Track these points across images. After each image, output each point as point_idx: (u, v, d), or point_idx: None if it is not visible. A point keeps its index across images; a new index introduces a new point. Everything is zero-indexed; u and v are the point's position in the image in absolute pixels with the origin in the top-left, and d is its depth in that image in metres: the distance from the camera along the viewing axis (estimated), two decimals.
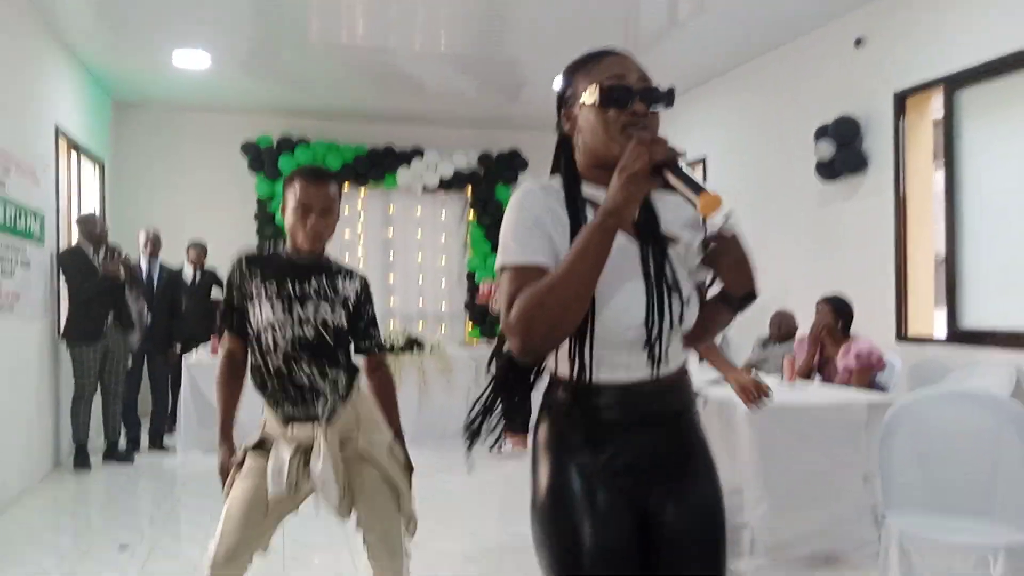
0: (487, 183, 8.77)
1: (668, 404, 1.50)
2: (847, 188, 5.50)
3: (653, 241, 1.46)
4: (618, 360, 1.44)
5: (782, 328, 5.61)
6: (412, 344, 6.73)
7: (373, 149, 8.44)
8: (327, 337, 2.27)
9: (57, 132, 5.88)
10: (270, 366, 2.25)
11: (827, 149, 5.38)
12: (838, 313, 4.77)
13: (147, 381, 6.42)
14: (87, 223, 5.73)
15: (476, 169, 8.74)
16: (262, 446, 2.30)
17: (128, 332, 5.92)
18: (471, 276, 8.90)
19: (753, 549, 3.61)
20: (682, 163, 1.29)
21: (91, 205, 6.93)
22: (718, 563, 1.52)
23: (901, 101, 5.05)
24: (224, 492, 2.30)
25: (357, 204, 8.75)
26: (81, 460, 5.60)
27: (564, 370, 1.47)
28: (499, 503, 4.83)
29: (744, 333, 5.84)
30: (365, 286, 2.41)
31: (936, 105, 4.96)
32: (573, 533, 1.43)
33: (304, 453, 2.26)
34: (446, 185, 8.69)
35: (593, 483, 1.45)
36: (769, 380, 4.35)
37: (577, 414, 1.47)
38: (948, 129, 4.73)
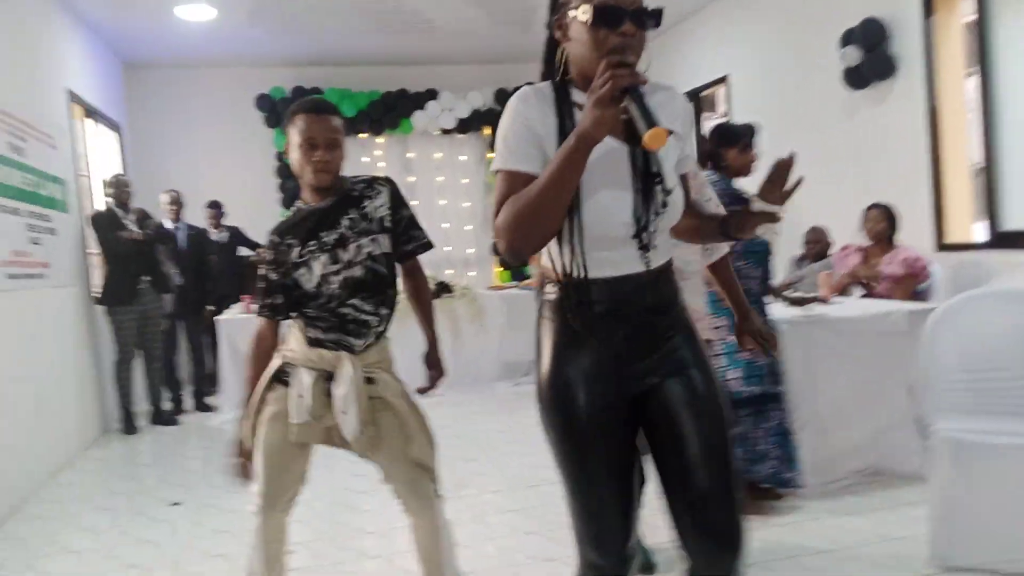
0: None
1: (656, 296, 1.60)
2: (876, 95, 5.30)
3: (638, 139, 1.47)
4: (607, 256, 1.54)
5: (816, 244, 5.50)
6: (442, 289, 6.71)
7: (387, 94, 8.31)
8: (379, 269, 2.24)
9: (70, 96, 5.84)
10: (321, 303, 2.23)
11: (853, 55, 5.17)
12: (889, 220, 4.67)
13: (186, 343, 6.51)
14: (116, 185, 5.75)
15: (493, 107, 8.58)
16: (279, 379, 2.26)
17: (162, 294, 5.96)
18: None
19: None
20: (645, 91, 1.36)
21: (112, 170, 6.91)
22: (724, 437, 1.60)
23: (929, 1, 4.82)
24: (243, 433, 2.30)
25: (376, 152, 8.65)
26: (128, 424, 5.71)
27: (557, 268, 1.58)
28: (536, 439, 4.84)
29: (776, 252, 5.73)
30: (393, 193, 2.31)
31: (967, 6, 4.73)
32: (572, 413, 1.58)
33: (325, 380, 2.22)
34: (463, 126, 8.55)
35: (589, 371, 1.57)
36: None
37: (571, 309, 1.57)
38: (981, 31, 4.52)
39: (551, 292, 1.62)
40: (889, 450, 3.60)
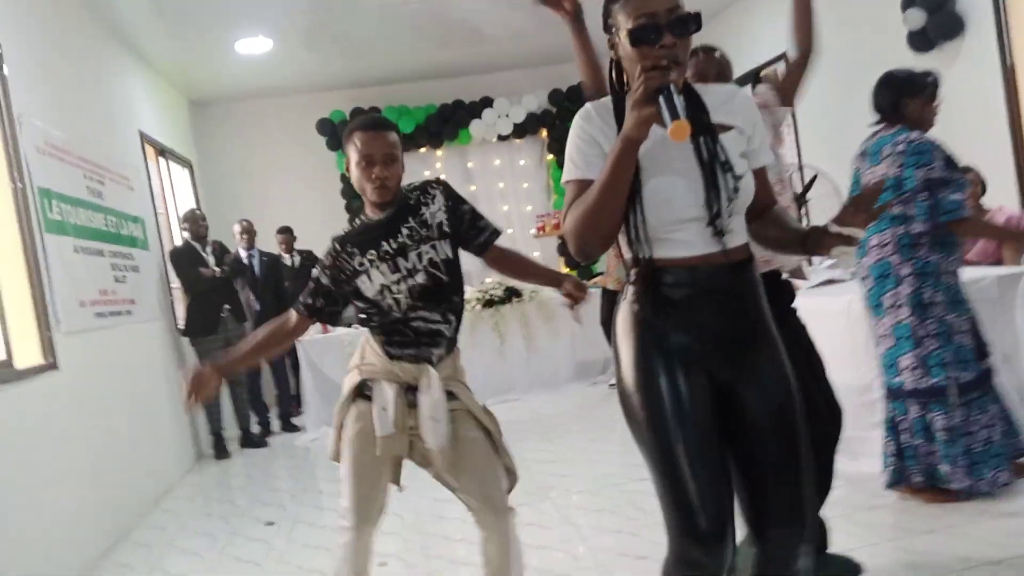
0: (561, 121, 8.58)
1: (733, 281, 1.65)
2: (944, 57, 5.07)
3: (704, 130, 1.60)
4: (680, 238, 1.61)
5: None
6: (511, 294, 6.72)
7: (443, 106, 8.39)
8: (440, 275, 2.25)
9: (143, 138, 6.09)
10: (392, 319, 2.25)
11: (917, 17, 4.97)
12: (981, 182, 4.49)
13: (268, 367, 6.69)
14: (192, 220, 5.97)
15: (548, 108, 8.57)
16: (361, 394, 2.29)
17: (242, 322, 6.15)
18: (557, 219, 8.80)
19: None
20: (674, 90, 1.43)
21: (186, 205, 7.17)
22: (796, 445, 1.62)
23: None
24: (331, 451, 2.33)
25: (436, 165, 8.74)
26: (220, 449, 5.90)
27: (627, 257, 1.69)
28: (617, 437, 4.80)
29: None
30: (447, 193, 2.32)
31: None
32: (657, 404, 1.61)
33: (408, 392, 2.24)
34: (520, 131, 8.57)
35: (670, 357, 1.62)
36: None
37: (647, 295, 1.64)
38: None
39: (628, 284, 1.69)
40: None
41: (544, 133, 8.70)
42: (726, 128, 1.66)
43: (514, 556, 2.34)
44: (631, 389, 1.64)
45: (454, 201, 2.31)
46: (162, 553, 3.91)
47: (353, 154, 2.22)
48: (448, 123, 8.40)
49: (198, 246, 5.93)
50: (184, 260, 5.85)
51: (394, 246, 2.24)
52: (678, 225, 1.60)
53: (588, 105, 1.70)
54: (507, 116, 8.44)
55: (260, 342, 2.31)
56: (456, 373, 2.33)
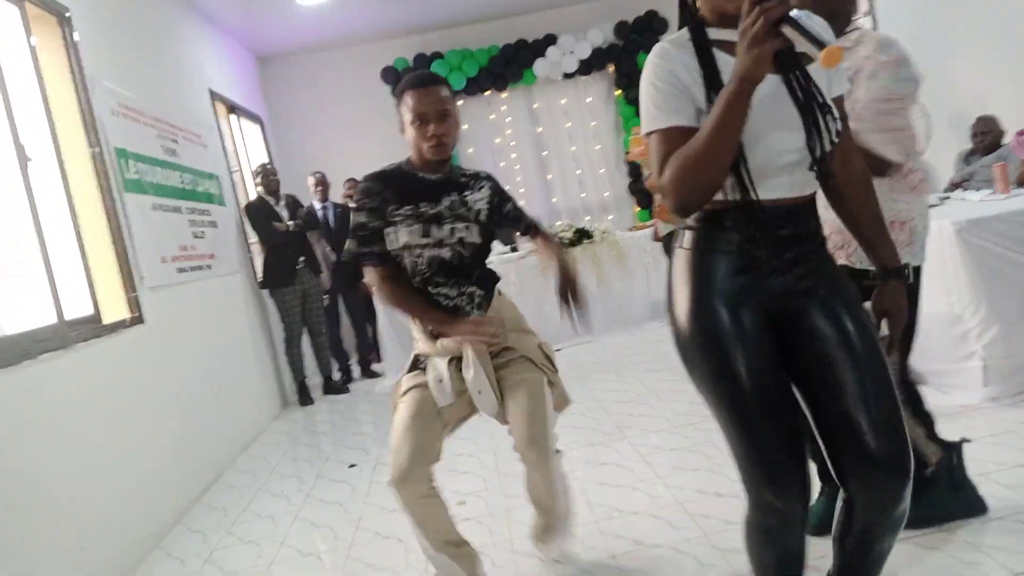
0: (628, 55, 8.33)
1: (806, 225, 1.57)
2: None
3: (795, 67, 1.46)
4: (775, 182, 1.51)
5: (987, 136, 4.98)
6: (582, 236, 6.64)
7: (506, 47, 8.24)
8: (464, 255, 2.26)
9: (212, 96, 6.18)
10: (415, 283, 2.26)
11: None
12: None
13: (346, 316, 6.83)
14: (264, 174, 6.07)
15: (614, 42, 8.32)
16: (416, 367, 2.32)
17: (318, 274, 6.27)
18: (628, 156, 8.60)
19: (987, 379, 3.29)
20: (799, 16, 1.29)
21: (259, 160, 7.29)
22: (883, 367, 1.53)
23: None
24: (391, 412, 2.34)
25: (501, 108, 8.63)
26: (304, 396, 6.09)
27: (719, 196, 1.51)
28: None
29: (942, 149, 5.24)
30: (496, 190, 2.37)
31: None
32: (719, 346, 1.52)
33: (457, 361, 2.26)
34: (586, 67, 8.35)
35: (731, 296, 1.53)
36: (980, 195, 3.89)
37: (716, 241, 1.55)
38: None
39: (690, 234, 1.60)
40: None
41: (611, 68, 8.46)
42: (808, 59, 1.50)
43: (560, 492, 2.38)
44: (689, 334, 1.56)
45: (500, 198, 2.37)
46: (252, 496, 4.07)
47: (407, 113, 2.19)
48: (512, 64, 8.25)
49: (271, 200, 6.03)
50: (258, 214, 5.97)
51: (432, 212, 2.22)
52: (778, 169, 1.50)
53: (663, 41, 1.55)
54: (572, 53, 8.23)
55: (409, 305, 2.25)
56: (503, 324, 2.28)
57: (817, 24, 1.48)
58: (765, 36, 1.29)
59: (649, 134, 1.52)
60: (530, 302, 5.48)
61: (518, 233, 2.50)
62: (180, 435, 4.16)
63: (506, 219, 2.40)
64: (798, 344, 1.56)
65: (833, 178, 1.55)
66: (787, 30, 1.28)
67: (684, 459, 3.37)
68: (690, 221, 1.60)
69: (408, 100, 2.18)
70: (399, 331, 6.30)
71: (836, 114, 1.50)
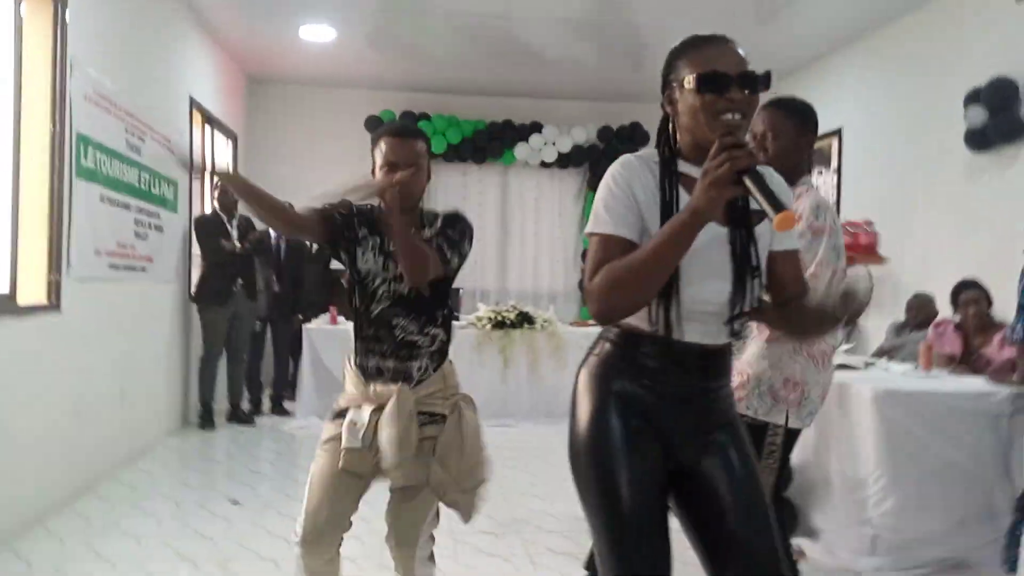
0: (606, 159, 8.55)
1: (717, 370, 1.62)
2: (1001, 160, 4.98)
3: (741, 226, 1.54)
4: (697, 326, 1.55)
5: (920, 313, 5.18)
6: (524, 320, 6.67)
7: (492, 123, 8.41)
8: (424, 290, 2.21)
9: (192, 104, 6.15)
10: (372, 312, 2.23)
11: (978, 115, 4.88)
12: (989, 299, 4.37)
13: (270, 347, 6.69)
14: (223, 191, 5.99)
15: (595, 143, 8.56)
16: (342, 416, 2.25)
17: (253, 299, 6.16)
18: (586, 255, 8.73)
19: (875, 548, 3.33)
20: (763, 172, 1.36)
21: None
22: (766, 517, 1.56)
23: None
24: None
25: (476, 180, 8.75)
26: (206, 419, 5.89)
27: (636, 322, 1.56)
28: None
29: (878, 317, 5.44)
30: (447, 219, 2.28)
31: None
32: (611, 473, 1.54)
33: (382, 412, 2.19)
34: (564, 160, 8.56)
35: (635, 427, 1.56)
36: (903, 368, 4.02)
37: (629, 364, 1.59)
38: None
39: (607, 347, 1.62)
40: (978, 541, 3.30)
41: (587, 168, 8.68)
42: (762, 216, 1.54)
43: None
44: (584, 452, 1.59)
45: (443, 224, 2.27)
46: (125, 512, 3.88)
47: (378, 158, 2.21)
48: (495, 140, 8.41)
49: (224, 217, 5.96)
50: (207, 229, 5.88)
51: (390, 247, 2.22)
52: (698, 315, 1.54)
53: (630, 155, 1.59)
54: (553, 144, 8.44)
55: (270, 198, 2.22)
56: (446, 390, 2.26)
57: (778, 184, 1.57)
58: (728, 182, 1.34)
59: (592, 235, 1.54)
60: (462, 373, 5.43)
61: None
62: (68, 431, 3.98)
63: (435, 238, 2.26)
64: (690, 478, 1.60)
65: (773, 301, 1.63)
66: (748, 182, 1.32)
67: (572, 566, 3.32)
68: (609, 335, 1.63)
69: (382, 146, 2.20)
70: (320, 373, 6.20)
71: (763, 280, 1.57)
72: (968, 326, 4.44)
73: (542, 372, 6.55)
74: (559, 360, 6.60)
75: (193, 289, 6.03)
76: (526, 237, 8.86)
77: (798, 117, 2.37)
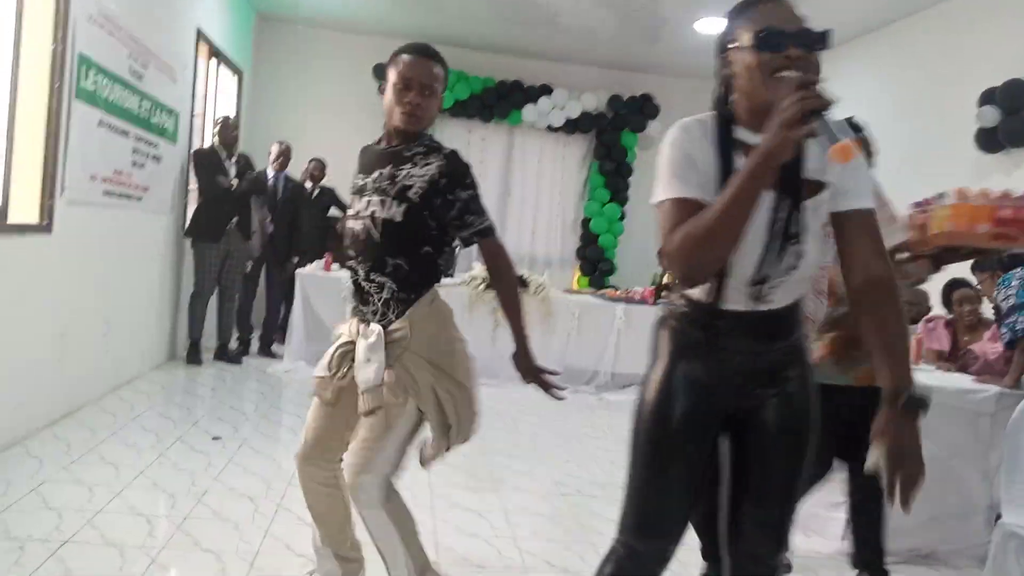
0: (613, 128, 8.49)
1: (777, 330, 1.65)
2: (1009, 162, 4.95)
3: (789, 191, 1.51)
4: (736, 293, 1.59)
5: (913, 309, 5.18)
6: (517, 282, 6.64)
7: (502, 82, 8.31)
8: (373, 233, 2.08)
9: (199, 36, 6.04)
10: (351, 262, 2.20)
11: (991, 116, 4.85)
12: (980, 297, 4.36)
13: (263, 289, 6.66)
14: (224, 125, 5.92)
15: (604, 112, 8.46)
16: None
17: (246, 239, 6.11)
18: (586, 222, 8.71)
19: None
20: (832, 113, 1.32)
21: (227, 111, 7.13)
22: (800, 456, 1.68)
23: None
24: None
25: (480, 137, 8.66)
26: (193, 355, 5.88)
27: (695, 293, 1.65)
28: (582, 449, 4.74)
29: None
30: (447, 171, 2.06)
31: None
32: (668, 411, 1.66)
33: (353, 343, 2.18)
34: (571, 126, 8.46)
35: (697, 380, 1.65)
36: None
37: (695, 330, 1.66)
38: None
39: (682, 304, 1.68)
40: (951, 535, 3.33)
41: (594, 135, 8.59)
42: (819, 187, 1.55)
43: (379, 540, 2.18)
44: (650, 395, 1.69)
45: (450, 181, 2.06)
46: (105, 438, 3.88)
47: (392, 74, 2.10)
48: (503, 100, 8.31)
49: (223, 153, 5.89)
50: (205, 163, 5.81)
51: (361, 183, 2.17)
52: (740, 280, 1.57)
53: (687, 119, 1.58)
54: (562, 109, 8.34)
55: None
56: (403, 340, 2.08)
57: (842, 128, 1.46)
58: (797, 121, 1.31)
59: (661, 203, 1.54)
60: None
61: (459, 243, 2.16)
62: (53, 355, 3.96)
63: (448, 210, 2.07)
64: (744, 431, 1.71)
65: (847, 284, 1.56)
66: (817, 123, 1.30)
67: (545, 527, 3.34)
68: (668, 308, 1.72)
69: (399, 62, 2.10)
70: (310, 319, 6.17)
71: (802, 249, 1.53)
72: (962, 324, 4.44)
73: (532, 336, 6.52)
74: (548, 326, 6.58)
75: (187, 224, 5.97)
76: (526, 200, 8.80)
77: None
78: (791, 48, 1.43)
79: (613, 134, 8.50)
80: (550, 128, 8.50)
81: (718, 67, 1.59)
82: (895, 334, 1.50)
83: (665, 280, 6.82)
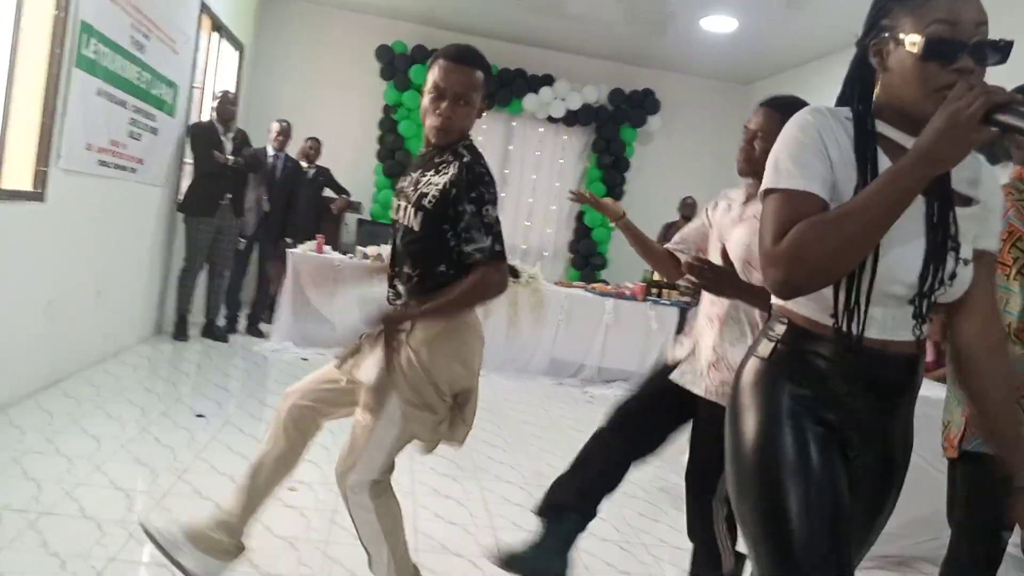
0: (613, 123, 8.47)
1: (912, 375, 1.38)
2: None
3: (940, 196, 1.30)
4: (877, 315, 1.32)
5: None
6: (509, 273, 6.64)
7: (504, 70, 8.28)
8: (397, 240, 2.12)
9: (202, 8, 6.00)
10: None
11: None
12: None
13: (254, 267, 6.64)
14: (222, 100, 5.89)
15: (605, 105, 8.44)
16: None
17: (239, 216, 6.08)
18: (580, 216, 8.71)
19: None
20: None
21: (227, 86, 7.09)
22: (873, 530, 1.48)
23: None
24: None
25: (480, 126, 8.62)
26: (180, 330, 5.87)
27: (809, 313, 1.35)
28: (566, 441, 4.76)
29: None
30: (458, 179, 1.96)
31: None
32: (777, 457, 1.33)
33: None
34: (571, 118, 8.44)
35: (806, 439, 1.33)
36: None
37: (802, 367, 1.36)
38: None
39: (783, 336, 1.38)
40: (925, 540, 3.36)
41: (594, 128, 8.58)
42: (967, 201, 1.35)
43: (363, 535, 2.20)
44: (753, 469, 1.35)
45: (458, 191, 1.96)
46: (87, 411, 3.88)
47: (428, 78, 2.04)
48: (504, 88, 8.28)
49: (220, 129, 5.86)
50: (202, 137, 5.78)
51: (400, 185, 2.16)
52: (885, 298, 1.30)
53: (818, 106, 1.37)
54: (563, 100, 8.31)
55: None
56: (413, 340, 2.03)
57: (986, 173, 1.39)
58: (976, 120, 1.11)
59: (772, 191, 1.31)
60: None
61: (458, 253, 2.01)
62: (40, 324, 3.95)
63: (455, 219, 1.97)
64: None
65: (956, 338, 1.38)
66: (1008, 119, 1.10)
67: (526, 518, 3.35)
68: (773, 331, 1.41)
69: (435, 67, 2.02)
70: (299, 300, 6.17)
71: (963, 256, 1.33)
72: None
73: (520, 328, 6.55)
74: (537, 318, 6.60)
75: (181, 198, 5.94)
76: (523, 191, 8.79)
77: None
78: (964, 59, 1.23)
79: (613, 128, 8.49)
80: (550, 119, 8.48)
81: (862, 50, 1.37)
82: (1007, 407, 1.38)
83: (656, 277, 6.90)
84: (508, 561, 2.32)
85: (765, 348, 1.40)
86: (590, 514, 2.41)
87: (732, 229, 2.31)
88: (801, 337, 1.36)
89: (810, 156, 1.29)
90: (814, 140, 1.30)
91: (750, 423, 1.37)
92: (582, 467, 2.45)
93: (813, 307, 1.34)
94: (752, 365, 1.42)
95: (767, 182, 1.32)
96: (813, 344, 1.34)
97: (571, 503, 2.40)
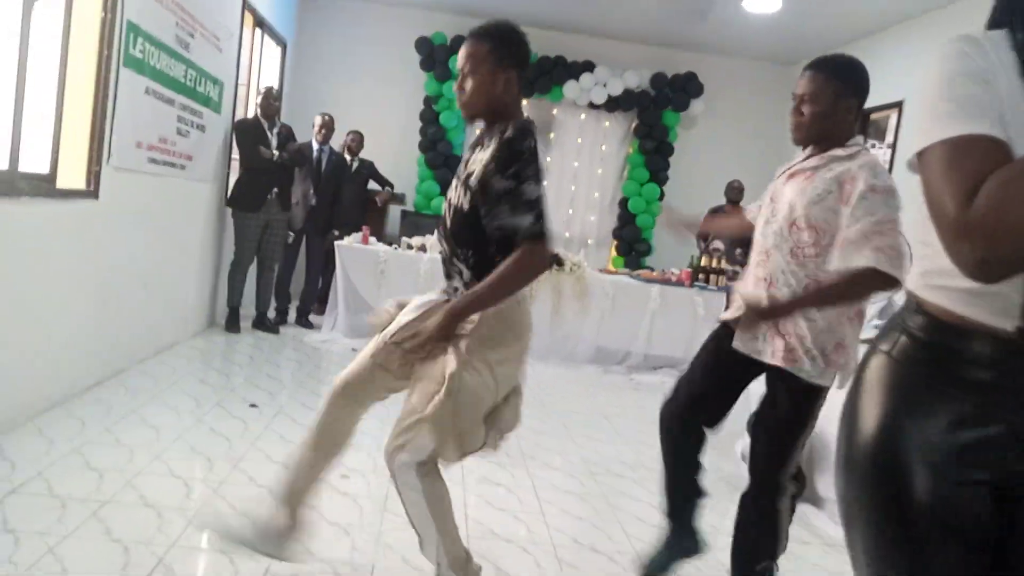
0: (655, 107, 8.37)
1: None
2: None
3: None
4: None
5: None
6: (553, 261, 6.63)
7: (544, 58, 8.23)
8: (447, 219, 2.13)
9: (244, 5, 6.07)
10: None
11: None
12: None
13: (303, 260, 6.74)
14: (266, 96, 5.97)
15: (647, 90, 8.35)
16: None
17: (287, 210, 6.17)
18: (623, 203, 8.63)
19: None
20: None
21: (270, 82, 7.18)
22: None
23: None
24: None
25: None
26: (232, 323, 5.99)
27: (961, 312, 1.08)
28: (612, 429, 4.74)
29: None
30: (497, 154, 1.93)
31: None
32: (907, 497, 1.08)
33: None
34: (612, 104, 8.36)
35: (937, 471, 1.07)
36: None
37: (947, 374, 1.08)
38: None
39: (909, 342, 1.14)
40: None
41: (636, 114, 8.49)
42: None
43: (413, 516, 2.21)
44: (870, 470, 1.13)
45: (497, 165, 1.92)
46: (145, 402, 3.97)
47: None
48: (545, 75, 8.23)
49: (265, 124, 5.94)
50: (247, 134, 5.87)
51: (458, 168, 2.17)
52: None
53: (972, 33, 1.07)
54: (604, 86, 8.23)
55: None
56: (467, 325, 2.04)
57: None
58: None
59: (933, 147, 1.02)
60: None
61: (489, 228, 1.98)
62: (96, 319, 4.05)
63: (487, 194, 1.93)
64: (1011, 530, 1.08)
65: None
66: None
67: (574, 505, 3.36)
68: (911, 323, 1.15)
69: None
70: (348, 291, 6.24)
71: None
72: None
73: (564, 316, 6.53)
74: (582, 306, 6.57)
75: (229, 193, 6.05)
76: (564, 179, 8.74)
77: (839, 81, 2.21)
78: None
79: (655, 113, 8.39)
80: (591, 105, 8.41)
81: None
82: None
83: (703, 262, 6.80)
84: (650, 566, 2.54)
85: (896, 345, 1.15)
86: (700, 495, 2.54)
87: (783, 189, 2.29)
88: (947, 333, 1.09)
89: (980, 91, 1.00)
90: (975, 72, 1.01)
91: (868, 430, 1.14)
92: (668, 466, 2.55)
93: (965, 301, 1.06)
94: (877, 365, 1.17)
95: (923, 137, 1.03)
96: (964, 342, 1.07)
97: (679, 503, 2.55)
